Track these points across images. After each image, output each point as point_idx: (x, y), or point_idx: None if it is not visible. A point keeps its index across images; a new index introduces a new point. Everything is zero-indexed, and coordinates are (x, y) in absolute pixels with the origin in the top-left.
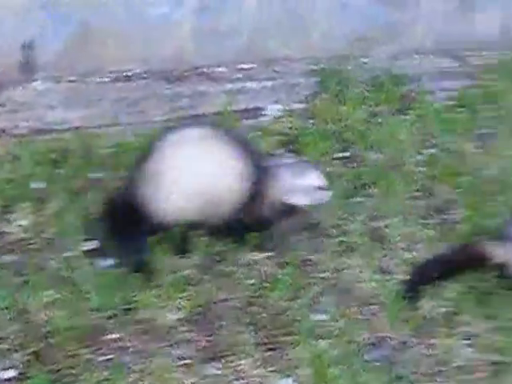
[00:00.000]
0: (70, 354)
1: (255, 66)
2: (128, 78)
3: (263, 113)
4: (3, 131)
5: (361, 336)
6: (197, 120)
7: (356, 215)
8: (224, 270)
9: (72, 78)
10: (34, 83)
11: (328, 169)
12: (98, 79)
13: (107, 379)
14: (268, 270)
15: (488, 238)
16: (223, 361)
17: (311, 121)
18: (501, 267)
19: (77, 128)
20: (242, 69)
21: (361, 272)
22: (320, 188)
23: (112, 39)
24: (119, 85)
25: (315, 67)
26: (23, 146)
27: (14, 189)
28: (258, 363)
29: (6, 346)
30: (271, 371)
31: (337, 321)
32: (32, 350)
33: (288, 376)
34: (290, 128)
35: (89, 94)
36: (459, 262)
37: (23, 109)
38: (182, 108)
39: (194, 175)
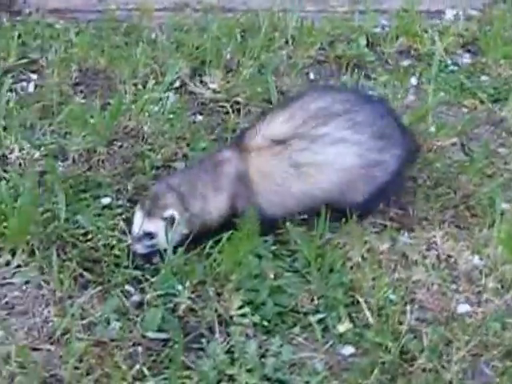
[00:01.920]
0: None
1: None
2: None
3: (442, 16)
4: (186, 5)
5: None
6: None
7: None
8: None
9: None
10: None
11: (508, 72)
12: None
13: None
14: (454, 156)
15: None
16: (415, 231)
17: (488, 27)
18: None
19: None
20: None
21: None
22: None
23: None
24: None
25: None
26: (210, 18)
27: (203, 54)
28: (448, 237)
29: None
30: (462, 246)
31: None
32: None
33: (478, 253)
34: (467, 30)
35: None
36: None
37: None
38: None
39: None
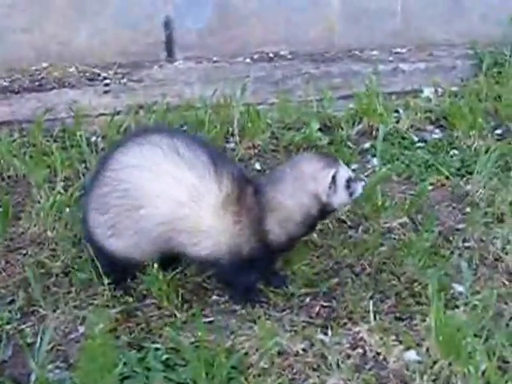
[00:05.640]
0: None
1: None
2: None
3: (419, 94)
4: (140, 107)
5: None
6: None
7: (509, 187)
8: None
9: (215, 59)
10: (176, 63)
11: (478, 143)
12: (241, 59)
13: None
14: (402, 236)
15: None
16: (338, 327)
17: (462, 100)
18: None
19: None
20: (396, 52)
21: (509, 243)
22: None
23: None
24: (263, 65)
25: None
26: (153, 116)
27: None
28: (379, 331)
29: None
30: (393, 341)
31: (478, 293)
32: None
33: (416, 347)
34: (439, 106)
35: (230, 72)
36: None
37: (160, 85)
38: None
39: None
